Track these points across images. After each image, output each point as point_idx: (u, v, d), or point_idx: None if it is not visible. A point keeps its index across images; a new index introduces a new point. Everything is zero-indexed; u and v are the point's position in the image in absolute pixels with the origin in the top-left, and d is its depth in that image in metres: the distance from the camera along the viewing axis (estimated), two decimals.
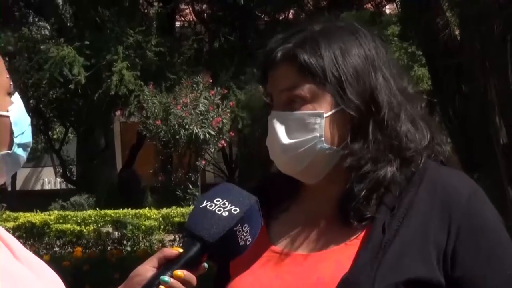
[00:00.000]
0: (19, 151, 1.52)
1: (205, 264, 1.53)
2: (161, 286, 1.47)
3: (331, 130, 1.66)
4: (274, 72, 1.70)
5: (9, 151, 1.50)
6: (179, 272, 1.47)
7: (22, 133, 1.51)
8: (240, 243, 1.53)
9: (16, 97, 1.52)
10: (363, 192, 1.64)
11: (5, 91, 1.50)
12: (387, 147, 1.65)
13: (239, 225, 1.51)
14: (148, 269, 1.52)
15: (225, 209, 1.52)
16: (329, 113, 1.66)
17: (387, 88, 1.68)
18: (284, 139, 1.67)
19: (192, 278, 1.49)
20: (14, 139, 1.50)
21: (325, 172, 1.69)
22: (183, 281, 1.48)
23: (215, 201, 1.54)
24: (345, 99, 1.65)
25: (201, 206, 1.55)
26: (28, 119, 1.54)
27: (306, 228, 1.71)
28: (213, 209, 1.53)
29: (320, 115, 1.66)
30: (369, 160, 1.64)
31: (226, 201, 1.54)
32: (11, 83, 1.51)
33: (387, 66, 1.71)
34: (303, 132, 1.66)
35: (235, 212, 1.52)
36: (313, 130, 1.66)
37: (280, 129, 1.67)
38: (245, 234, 1.53)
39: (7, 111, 1.49)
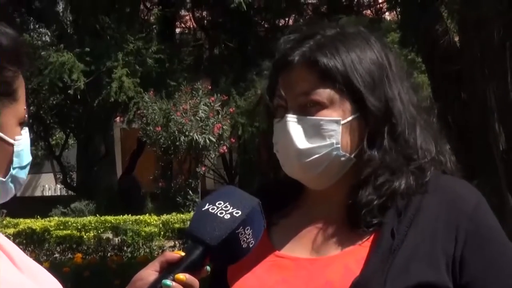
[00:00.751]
0: (12, 184, 1.50)
1: (208, 268, 1.52)
2: None
3: (346, 137, 1.65)
4: (289, 74, 1.67)
5: (3, 179, 1.49)
6: (181, 276, 1.46)
7: (21, 168, 1.50)
8: (243, 246, 1.52)
9: (26, 132, 1.52)
10: (376, 201, 1.63)
11: (18, 120, 1.49)
12: (402, 157, 1.65)
13: (242, 227, 1.50)
14: (151, 273, 1.51)
15: (227, 212, 1.51)
16: (346, 120, 1.65)
17: (400, 99, 1.68)
18: (300, 144, 1.64)
19: (194, 281, 1.48)
20: (12, 170, 1.49)
21: (336, 178, 1.68)
22: (185, 284, 1.46)
23: (217, 204, 1.53)
24: (363, 106, 1.65)
25: (203, 209, 1.53)
26: (30, 158, 1.53)
27: (310, 233, 1.70)
28: (215, 212, 1.52)
29: (337, 122, 1.64)
30: (386, 170, 1.64)
31: (228, 203, 1.53)
32: (26, 115, 1.51)
33: (399, 77, 1.71)
34: (320, 138, 1.64)
35: (237, 215, 1.51)
36: (330, 136, 1.64)
37: (296, 133, 1.65)
38: (247, 237, 1.52)
39: (14, 140, 1.48)
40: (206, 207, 1.54)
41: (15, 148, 1.49)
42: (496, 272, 1.62)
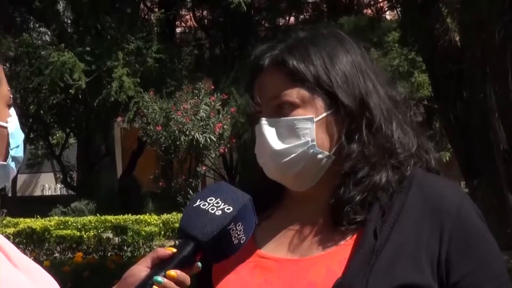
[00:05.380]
0: (12, 165, 1.53)
1: (199, 264, 1.52)
2: (154, 286, 1.46)
3: (322, 135, 1.66)
4: (261, 79, 1.70)
5: (4, 163, 1.51)
6: (173, 272, 1.47)
7: (17, 147, 1.53)
8: (234, 242, 1.52)
9: (13, 111, 1.54)
10: (358, 197, 1.63)
11: (5, 102, 1.51)
12: (381, 151, 1.65)
13: (233, 223, 1.51)
14: (142, 269, 1.51)
15: (218, 208, 1.51)
16: (320, 117, 1.66)
17: (376, 93, 1.69)
18: (275, 145, 1.65)
19: (185, 278, 1.48)
20: (10, 151, 1.51)
21: (317, 179, 1.68)
22: (176, 281, 1.47)
23: (208, 200, 1.53)
24: (336, 102, 1.66)
25: (194, 205, 1.53)
26: (23, 135, 1.56)
27: (293, 234, 1.70)
28: (207, 208, 1.52)
29: (310, 120, 1.65)
30: (366, 164, 1.64)
31: (220, 199, 1.53)
32: (11, 95, 1.53)
33: (374, 73, 1.73)
34: (294, 138, 1.65)
35: (229, 211, 1.51)
36: (304, 135, 1.65)
37: (270, 135, 1.66)
38: (238, 233, 1.52)
39: (6, 122, 1.51)
40: (197, 203, 1.54)
41: (9, 130, 1.51)
42: (483, 270, 1.61)
